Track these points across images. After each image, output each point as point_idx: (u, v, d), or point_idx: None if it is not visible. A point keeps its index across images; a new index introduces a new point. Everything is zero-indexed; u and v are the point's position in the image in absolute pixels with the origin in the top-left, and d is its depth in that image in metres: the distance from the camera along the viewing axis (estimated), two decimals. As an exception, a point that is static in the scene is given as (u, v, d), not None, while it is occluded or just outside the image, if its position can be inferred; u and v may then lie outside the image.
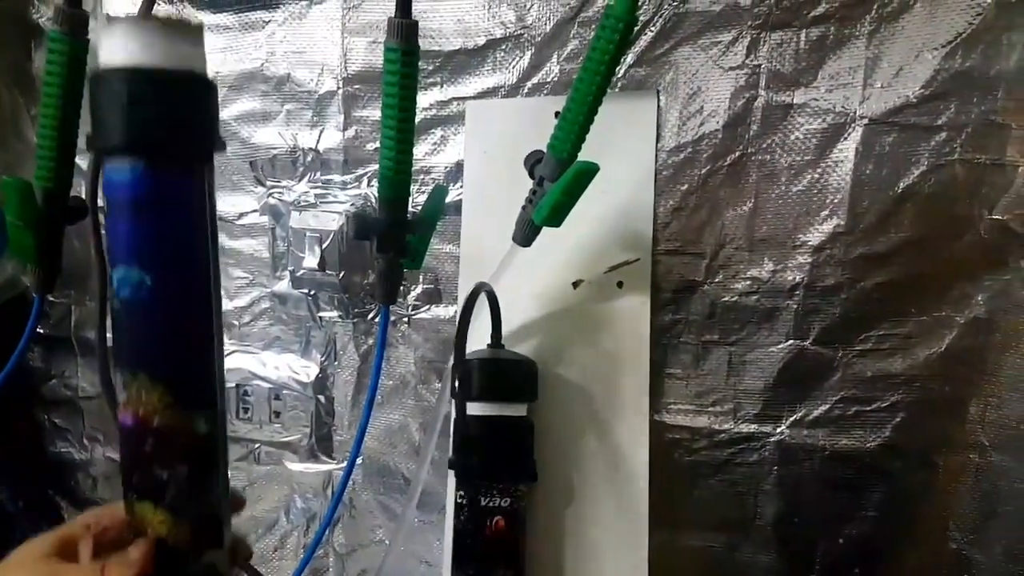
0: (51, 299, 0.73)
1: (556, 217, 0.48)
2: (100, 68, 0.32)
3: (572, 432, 0.59)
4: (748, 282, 0.57)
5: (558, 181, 0.46)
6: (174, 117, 0.33)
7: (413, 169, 0.50)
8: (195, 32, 0.33)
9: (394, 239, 0.49)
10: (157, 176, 0.32)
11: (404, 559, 0.66)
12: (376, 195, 0.54)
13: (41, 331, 0.74)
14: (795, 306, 0.56)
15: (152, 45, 0.31)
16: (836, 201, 0.54)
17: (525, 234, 0.50)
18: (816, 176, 0.55)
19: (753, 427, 0.58)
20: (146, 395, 0.34)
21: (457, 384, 0.53)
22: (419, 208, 0.51)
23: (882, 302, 0.55)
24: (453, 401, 0.54)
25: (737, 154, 0.56)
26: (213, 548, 0.37)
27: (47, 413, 0.75)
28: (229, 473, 0.69)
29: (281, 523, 0.70)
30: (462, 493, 0.54)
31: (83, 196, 0.56)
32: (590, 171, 0.46)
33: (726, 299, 0.57)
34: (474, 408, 0.55)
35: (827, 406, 0.57)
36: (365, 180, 0.64)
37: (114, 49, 0.31)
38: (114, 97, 0.31)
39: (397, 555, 0.66)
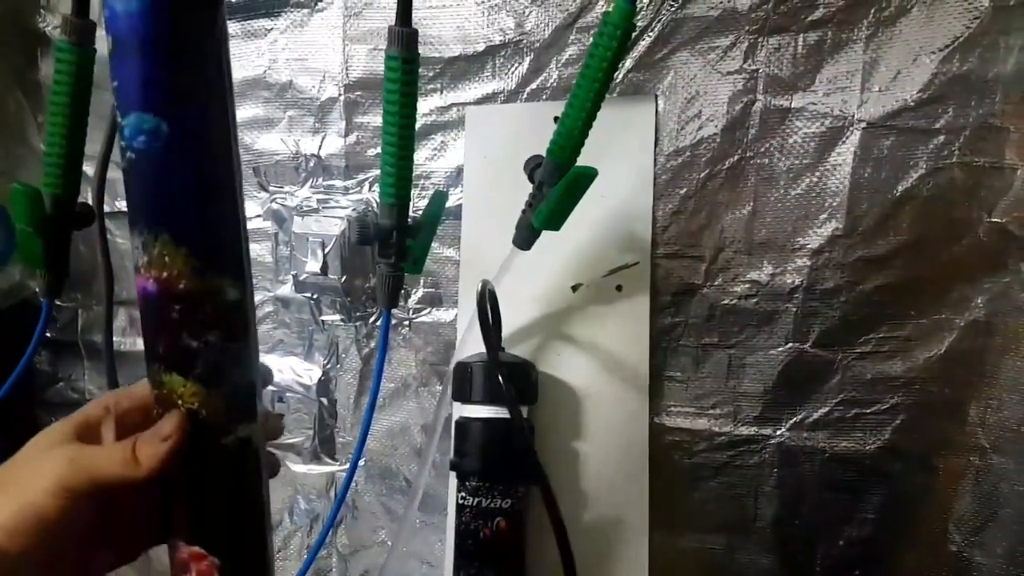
0: (58, 303, 0.74)
1: (556, 221, 0.48)
2: None
3: (572, 434, 0.60)
4: (747, 285, 0.57)
5: (557, 185, 0.47)
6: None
7: (413, 174, 0.50)
8: None
9: (395, 244, 0.50)
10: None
11: (406, 560, 0.67)
12: (377, 200, 0.54)
13: (48, 335, 0.75)
14: (794, 309, 0.56)
15: None
16: (835, 204, 0.55)
17: (525, 237, 0.51)
18: (815, 180, 0.55)
19: (753, 429, 0.58)
20: (170, 258, 0.31)
21: (457, 387, 0.54)
22: (419, 213, 0.51)
23: (881, 305, 0.55)
24: (454, 403, 0.55)
25: (736, 158, 0.56)
26: (247, 422, 0.34)
27: (54, 416, 0.75)
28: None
29: (285, 524, 0.71)
30: (463, 495, 0.55)
31: (90, 202, 0.57)
32: (588, 175, 0.47)
33: (725, 302, 0.58)
34: (474, 410, 0.55)
35: (827, 408, 0.57)
36: (367, 185, 0.65)
37: None
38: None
39: (399, 556, 0.66)
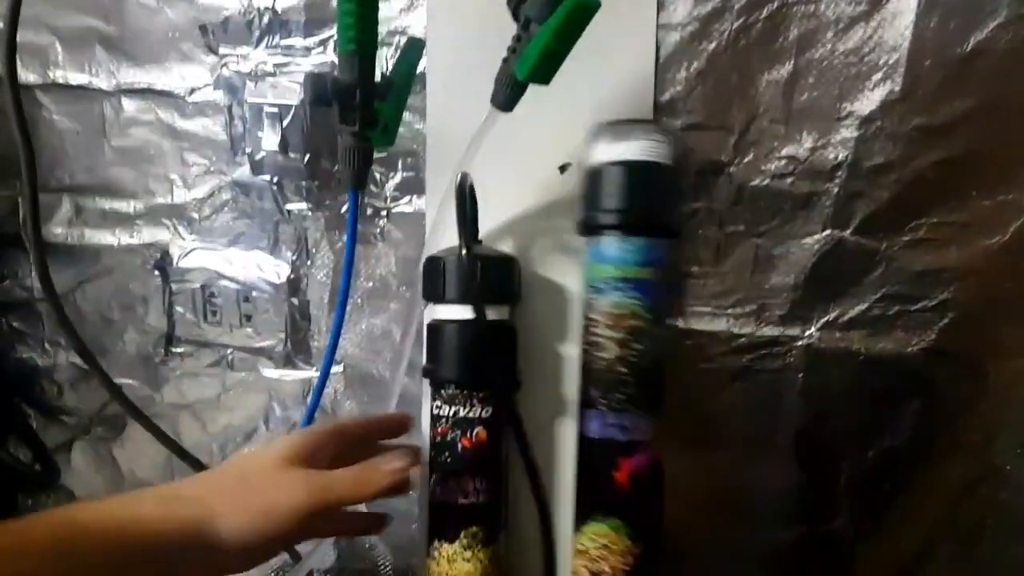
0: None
1: (545, 69, 0.40)
2: None
3: (559, 337, 0.53)
4: (783, 162, 0.49)
5: (548, 21, 0.38)
6: None
7: (386, 31, 0.41)
8: None
9: (359, 105, 0.41)
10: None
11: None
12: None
13: (-14, 228, 0.67)
14: (836, 190, 0.49)
15: None
16: (891, 62, 0.47)
17: (506, 95, 0.43)
18: (869, 32, 0.47)
19: (778, 330, 0.52)
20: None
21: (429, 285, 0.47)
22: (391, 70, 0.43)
23: (938, 184, 0.48)
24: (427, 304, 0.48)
25: (775, 4, 0.48)
26: None
27: (4, 317, 0.70)
28: (201, 380, 0.66)
29: (260, 431, 0.66)
30: (438, 403, 0.49)
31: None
32: (588, 7, 0.38)
33: (756, 183, 0.50)
34: (448, 311, 0.49)
35: (865, 305, 0.51)
36: (331, 44, 0.55)
37: None
38: None
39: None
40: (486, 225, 0.51)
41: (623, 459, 0.46)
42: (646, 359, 0.46)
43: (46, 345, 0.70)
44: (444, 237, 0.49)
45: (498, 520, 0.51)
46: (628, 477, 0.46)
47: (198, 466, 0.60)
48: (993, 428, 0.51)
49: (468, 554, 0.49)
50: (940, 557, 0.54)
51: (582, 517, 0.47)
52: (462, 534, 0.49)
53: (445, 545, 0.49)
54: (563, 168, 0.51)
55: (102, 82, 0.61)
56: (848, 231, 0.50)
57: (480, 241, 0.51)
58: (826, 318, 0.51)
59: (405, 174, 0.57)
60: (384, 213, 0.58)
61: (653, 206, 0.47)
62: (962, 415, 0.51)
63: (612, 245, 0.46)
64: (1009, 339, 0.49)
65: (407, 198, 0.57)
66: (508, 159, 0.50)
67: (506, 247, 0.53)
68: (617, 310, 0.46)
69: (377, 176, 0.57)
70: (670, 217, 0.49)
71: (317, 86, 0.41)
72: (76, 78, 0.62)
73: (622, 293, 0.46)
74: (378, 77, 0.43)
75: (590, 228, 0.47)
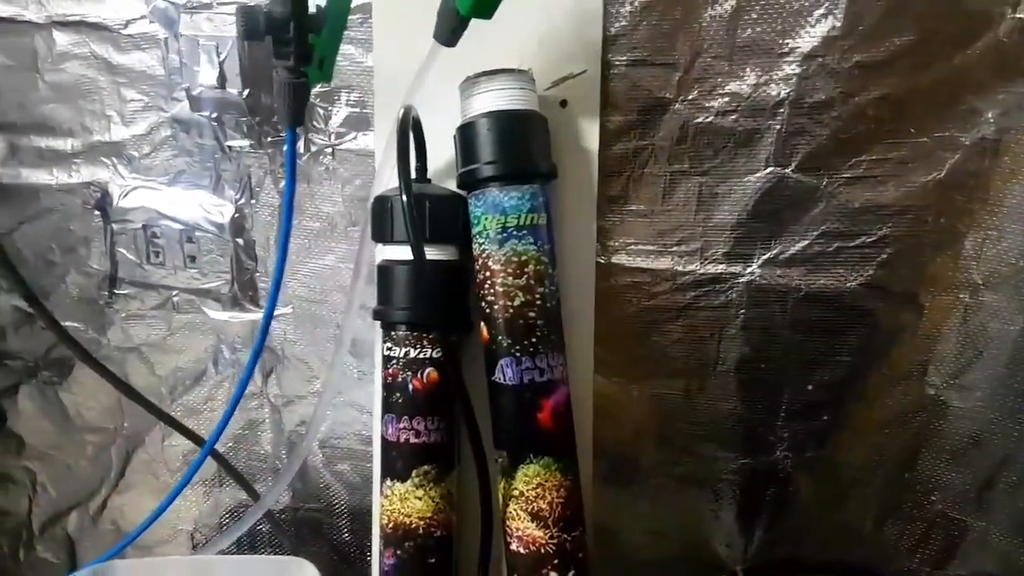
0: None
1: (487, 4, 0.40)
2: None
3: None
4: (726, 98, 0.50)
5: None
6: None
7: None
8: None
9: (293, 39, 0.41)
10: None
11: (342, 409, 0.64)
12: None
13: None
14: (778, 127, 0.50)
15: None
16: (834, -4, 0.47)
17: (448, 28, 0.42)
18: None
19: (721, 267, 0.54)
20: None
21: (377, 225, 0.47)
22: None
23: (878, 120, 0.49)
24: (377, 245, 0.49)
25: None
26: None
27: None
28: (146, 323, 0.66)
29: (210, 374, 0.67)
30: (389, 345, 0.50)
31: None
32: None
33: (700, 120, 0.51)
34: (397, 252, 0.49)
35: (806, 242, 0.52)
36: (267, -25, 0.54)
37: None
38: None
39: (335, 405, 0.64)
40: (436, 162, 0.52)
41: (544, 399, 0.47)
42: (550, 300, 0.48)
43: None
44: (393, 176, 0.49)
45: (450, 459, 0.52)
46: (551, 415, 0.47)
47: (150, 408, 0.61)
48: (927, 360, 0.54)
49: (420, 492, 0.50)
50: (875, 484, 0.57)
51: (512, 463, 0.48)
52: (413, 473, 0.50)
53: (397, 484, 0.50)
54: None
55: (32, 14, 0.60)
56: (790, 168, 0.51)
57: (429, 179, 0.51)
58: (767, 255, 0.53)
59: (351, 109, 0.57)
60: (329, 151, 0.58)
61: (536, 152, 0.48)
62: (897, 347, 0.54)
63: (503, 194, 0.47)
64: (943, 273, 0.51)
65: (353, 135, 0.57)
66: (456, 97, 0.49)
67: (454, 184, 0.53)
68: (517, 257, 0.47)
69: (321, 112, 0.57)
70: (550, 162, 0.50)
71: (249, 19, 0.40)
72: (5, 10, 0.60)
73: (518, 240, 0.47)
74: (313, 9, 0.43)
75: (476, 182, 0.48)
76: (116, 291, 0.65)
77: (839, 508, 0.58)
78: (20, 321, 0.69)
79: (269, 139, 0.58)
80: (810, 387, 0.55)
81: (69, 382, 0.70)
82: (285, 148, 0.51)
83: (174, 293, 0.64)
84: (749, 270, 0.53)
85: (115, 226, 0.63)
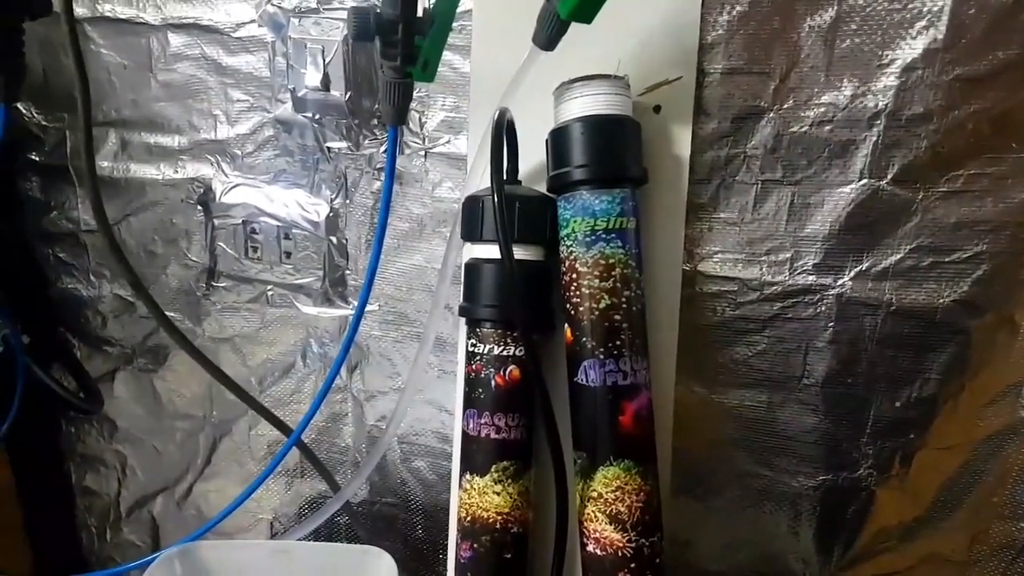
0: (44, 124, 0.70)
1: (588, 8, 0.42)
2: None
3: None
4: (822, 109, 0.51)
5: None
6: None
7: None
8: None
9: (401, 41, 0.44)
10: None
11: (422, 407, 0.67)
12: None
13: (36, 159, 0.72)
14: (874, 138, 0.51)
15: None
16: (935, 10, 0.48)
17: (548, 33, 0.44)
18: None
19: (811, 279, 0.54)
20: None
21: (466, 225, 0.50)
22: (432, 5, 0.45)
23: (977, 135, 0.49)
24: (465, 244, 0.51)
25: None
26: None
27: (50, 248, 0.74)
28: (241, 315, 0.70)
29: (298, 367, 0.70)
30: (474, 342, 0.52)
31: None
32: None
33: (794, 129, 0.52)
34: (486, 250, 0.52)
35: (899, 256, 0.52)
36: (374, -18, 0.58)
37: None
38: None
39: (415, 403, 0.66)
40: (527, 165, 0.54)
41: (626, 403, 0.48)
42: (635, 304, 0.49)
43: (91, 276, 0.74)
44: (484, 177, 0.51)
45: (528, 457, 0.53)
46: (632, 419, 0.48)
47: (242, 395, 0.64)
48: (1021, 381, 0.53)
49: (499, 487, 0.52)
50: (963, 507, 0.57)
51: (591, 464, 0.49)
52: (493, 468, 0.52)
53: (476, 478, 0.52)
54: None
55: (149, 16, 0.64)
56: (885, 180, 0.51)
57: (520, 181, 0.53)
58: (859, 268, 0.53)
59: (445, 113, 0.60)
60: (423, 153, 0.61)
61: (628, 157, 0.49)
62: (990, 367, 0.53)
63: (593, 198, 0.48)
64: (1042, 293, 0.51)
65: (446, 139, 0.60)
66: (550, 100, 0.51)
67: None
68: (604, 260, 0.48)
69: (417, 116, 0.60)
70: (641, 167, 0.51)
71: (360, 20, 0.43)
72: (124, 12, 0.65)
73: (606, 244, 0.48)
74: (420, 13, 0.45)
75: (567, 184, 0.49)
76: (214, 283, 0.69)
77: (923, 530, 0.58)
78: (120, 309, 0.74)
79: (366, 141, 0.61)
80: (898, 404, 0.55)
81: (163, 370, 0.74)
82: (386, 146, 0.54)
83: (269, 288, 0.68)
84: (840, 283, 0.54)
85: (216, 221, 0.67)
